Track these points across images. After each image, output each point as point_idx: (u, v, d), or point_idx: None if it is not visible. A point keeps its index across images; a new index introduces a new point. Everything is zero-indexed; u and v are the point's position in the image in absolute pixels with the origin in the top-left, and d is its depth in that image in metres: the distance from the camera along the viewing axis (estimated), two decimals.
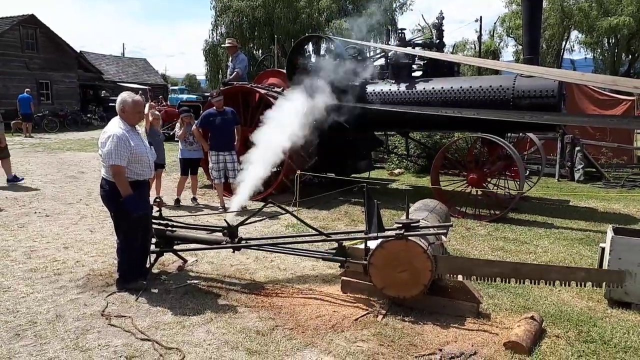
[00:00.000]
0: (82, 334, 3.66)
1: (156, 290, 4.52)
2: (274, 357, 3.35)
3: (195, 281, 4.78)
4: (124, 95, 4.50)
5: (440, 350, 3.44)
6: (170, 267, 5.19)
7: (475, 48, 40.67)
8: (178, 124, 8.62)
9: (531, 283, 3.88)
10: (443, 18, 8.93)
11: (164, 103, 23.12)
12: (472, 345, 3.51)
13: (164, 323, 3.86)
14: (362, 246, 4.32)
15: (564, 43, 38.19)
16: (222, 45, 17.09)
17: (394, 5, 32.74)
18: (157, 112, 8.55)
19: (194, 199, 8.47)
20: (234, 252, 5.06)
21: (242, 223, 4.80)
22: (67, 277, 4.82)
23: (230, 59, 10.47)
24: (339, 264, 4.38)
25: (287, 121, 6.64)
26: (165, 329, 3.76)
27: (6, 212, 7.53)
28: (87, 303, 4.21)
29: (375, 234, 4.15)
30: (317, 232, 4.64)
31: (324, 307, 4.17)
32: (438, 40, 8.84)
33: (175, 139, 8.75)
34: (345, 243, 4.42)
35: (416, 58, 8.94)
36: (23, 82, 24.48)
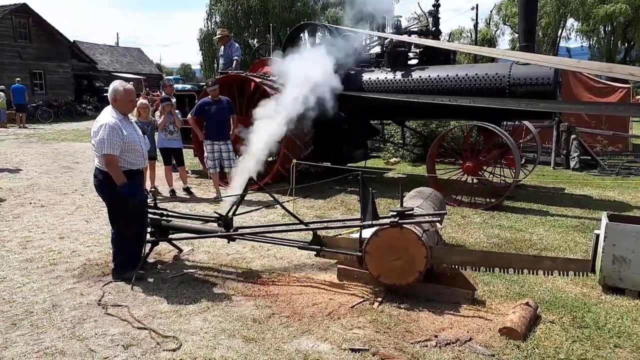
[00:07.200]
0: (79, 323, 3.67)
1: (152, 280, 4.52)
2: (270, 345, 3.36)
3: (192, 270, 4.79)
4: (115, 84, 4.46)
5: (436, 336, 3.47)
6: (166, 256, 5.19)
7: (471, 36, 40.53)
8: (158, 113, 8.50)
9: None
10: (439, 6, 8.89)
11: (156, 92, 22.94)
12: (468, 332, 3.53)
13: (160, 312, 3.86)
14: (357, 235, 4.33)
15: (560, 31, 38.08)
16: (214, 37, 16.93)
17: None
18: (145, 101, 8.40)
19: (186, 189, 8.44)
20: (229, 242, 5.06)
21: (235, 213, 4.80)
22: (63, 267, 4.81)
23: (222, 48, 10.41)
24: (314, 253, 4.47)
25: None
26: (162, 317, 3.77)
27: (1, 203, 7.50)
28: (83, 292, 4.21)
29: (370, 222, 4.16)
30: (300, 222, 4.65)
31: (320, 295, 4.19)
32: (434, 28, 8.80)
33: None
34: (342, 231, 4.46)
35: (412, 46, 8.90)
36: (16, 72, 24.27)
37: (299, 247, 4.62)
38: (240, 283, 4.46)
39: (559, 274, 3.87)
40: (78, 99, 29.20)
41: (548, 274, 3.90)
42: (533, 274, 3.95)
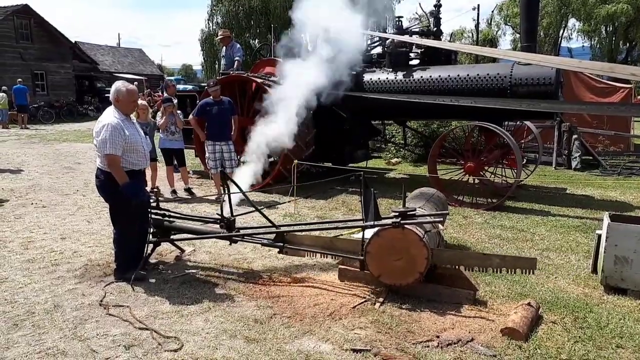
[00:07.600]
0: (81, 323, 3.67)
1: (154, 280, 4.52)
2: (272, 345, 3.36)
3: (193, 271, 4.79)
4: (118, 85, 4.47)
5: (438, 337, 3.46)
6: (167, 257, 5.19)
7: (472, 36, 40.52)
8: (159, 114, 8.52)
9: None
10: (440, 6, 8.89)
11: (158, 92, 22.96)
12: (469, 332, 3.53)
13: (162, 312, 3.87)
14: (359, 235, 4.33)
15: (561, 31, 38.03)
16: (216, 38, 17.02)
17: None
18: (144, 103, 8.39)
19: (188, 190, 8.44)
20: (230, 244, 5.06)
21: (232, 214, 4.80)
22: (64, 268, 4.82)
23: (224, 49, 10.43)
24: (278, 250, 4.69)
25: None
26: (164, 318, 3.77)
27: (3, 204, 7.50)
28: (85, 293, 4.21)
29: (372, 222, 4.16)
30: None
31: (321, 295, 4.18)
32: (435, 29, 8.80)
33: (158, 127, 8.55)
34: (344, 232, 4.46)
35: (413, 46, 8.90)
36: (18, 73, 24.24)
37: (262, 245, 4.80)
38: (241, 283, 4.46)
39: (507, 272, 3.97)
40: (79, 99, 29.21)
41: (496, 271, 4.02)
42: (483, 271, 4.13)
